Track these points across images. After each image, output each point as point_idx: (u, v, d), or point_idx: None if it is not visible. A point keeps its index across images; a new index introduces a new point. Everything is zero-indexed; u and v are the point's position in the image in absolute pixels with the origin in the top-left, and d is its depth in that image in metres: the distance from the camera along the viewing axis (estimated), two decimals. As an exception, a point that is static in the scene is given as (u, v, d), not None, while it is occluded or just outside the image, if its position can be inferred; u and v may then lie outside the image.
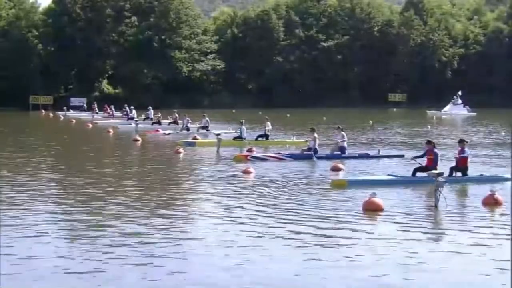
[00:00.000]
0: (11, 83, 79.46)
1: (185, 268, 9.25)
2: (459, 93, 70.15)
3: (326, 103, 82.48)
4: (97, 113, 62.10)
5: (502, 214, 13.25)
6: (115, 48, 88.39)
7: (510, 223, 11.74)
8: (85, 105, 75.94)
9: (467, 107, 69.61)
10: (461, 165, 17.88)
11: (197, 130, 37.88)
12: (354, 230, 11.63)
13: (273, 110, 64.29)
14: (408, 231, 11.61)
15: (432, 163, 17.41)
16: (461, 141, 18.56)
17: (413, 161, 18.47)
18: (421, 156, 18.15)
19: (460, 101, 69.90)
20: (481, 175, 18.25)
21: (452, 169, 17.80)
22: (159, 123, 44.52)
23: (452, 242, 10.83)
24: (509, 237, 10.56)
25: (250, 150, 25.43)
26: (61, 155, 26.91)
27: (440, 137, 35.12)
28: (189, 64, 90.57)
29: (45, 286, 8.55)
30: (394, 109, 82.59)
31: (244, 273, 8.99)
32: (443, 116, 64.72)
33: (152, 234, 11.23)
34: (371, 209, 13.18)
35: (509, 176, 17.64)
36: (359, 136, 35.63)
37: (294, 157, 23.82)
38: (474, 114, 65.96)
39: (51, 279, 8.73)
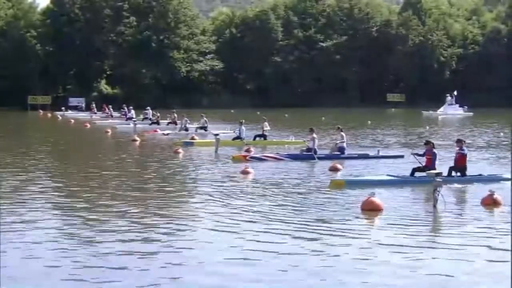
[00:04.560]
0: (9, 83, 79.48)
1: (183, 268, 9.24)
2: (455, 93, 70.22)
3: (325, 103, 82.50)
4: (95, 113, 62.11)
5: (501, 215, 13.24)
6: (113, 48, 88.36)
7: (510, 223, 11.73)
8: (83, 105, 75.96)
9: (465, 107, 69.70)
10: (459, 164, 17.88)
11: (196, 130, 37.84)
12: (352, 230, 11.61)
13: (271, 110, 64.27)
14: (407, 231, 11.59)
15: (431, 163, 17.43)
16: (459, 141, 18.60)
17: (412, 156, 18.48)
18: (421, 155, 18.13)
19: (454, 100, 70.06)
20: (480, 175, 18.25)
21: (451, 169, 17.80)
22: (157, 123, 44.49)
23: (451, 242, 10.80)
24: (509, 237, 10.55)
25: (248, 150, 25.41)
26: (59, 155, 26.87)
27: (440, 138, 35.08)
28: (188, 64, 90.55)
29: (45, 286, 8.54)
30: (393, 109, 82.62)
31: (241, 274, 8.98)
32: (440, 117, 64.73)
33: (149, 234, 11.21)
34: (370, 209, 13.17)
35: (507, 176, 17.64)
36: (358, 136, 35.61)
37: (293, 157, 23.80)
38: (471, 114, 66.04)
39: (50, 280, 8.72)
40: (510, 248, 9.69)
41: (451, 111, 68.41)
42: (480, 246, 10.55)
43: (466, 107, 69.71)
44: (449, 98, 71.02)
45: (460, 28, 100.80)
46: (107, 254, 9.85)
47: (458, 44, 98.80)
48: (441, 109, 70.20)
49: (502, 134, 37.46)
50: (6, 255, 9.71)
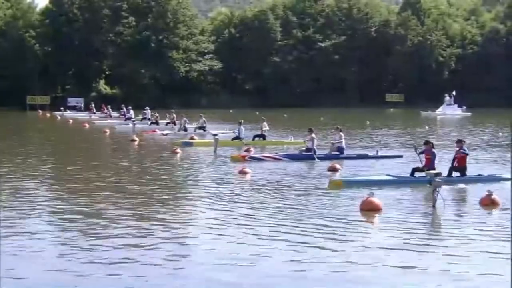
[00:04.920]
0: (8, 83, 79.46)
1: (181, 268, 9.24)
2: (453, 93, 70.27)
3: (324, 103, 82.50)
4: (94, 113, 62.14)
5: (499, 215, 13.26)
6: (112, 48, 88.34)
7: (510, 223, 11.72)
8: (82, 105, 75.97)
9: (464, 107, 69.74)
10: (460, 165, 17.88)
11: (194, 130, 37.82)
12: (351, 230, 11.61)
13: (270, 110, 64.26)
14: (406, 231, 11.59)
15: (430, 163, 17.42)
16: (459, 141, 18.63)
17: (414, 150, 18.60)
18: (421, 153, 18.10)
19: (452, 101, 70.13)
20: (479, 175, 18.26)
21: (450, 169, 17.80)
22: (156, 123, 44.49)
23: (449, 243, 10.80)
24: (509, 237, 10.54)
25: (247, 150, 25.40)
26: (58, 155, 26.85)
27: (439, 138, 35.09)
28: (187, 64, 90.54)
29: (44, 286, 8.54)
30: (392, 110, 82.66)
31: (238, 274, 8.97)
32: (438, 117, 64.72)
33: (148, 234, 11.20)
34: (369, 209, 13.16)
35: (506, 176, 17.64)
36: (357, 137, 35.60)
37: (291, 157, 23.79)
38: (469, 114, 66.07)
39: (50, 280, 8.71)
40: (510, 249, 9.68)
41: (450, 111, 68.43)
42: (479, 246, 10.54)
43: (464, 107, 69.75)
44: (447, 98, 71.12)
45: (459, 28, 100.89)
46: (105, 255, 9.83)
47: (457, 44, 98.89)
48: (440, 109, 70.25)
49: (501, 134, 37.48)
50: (6, 255, 9.70)
